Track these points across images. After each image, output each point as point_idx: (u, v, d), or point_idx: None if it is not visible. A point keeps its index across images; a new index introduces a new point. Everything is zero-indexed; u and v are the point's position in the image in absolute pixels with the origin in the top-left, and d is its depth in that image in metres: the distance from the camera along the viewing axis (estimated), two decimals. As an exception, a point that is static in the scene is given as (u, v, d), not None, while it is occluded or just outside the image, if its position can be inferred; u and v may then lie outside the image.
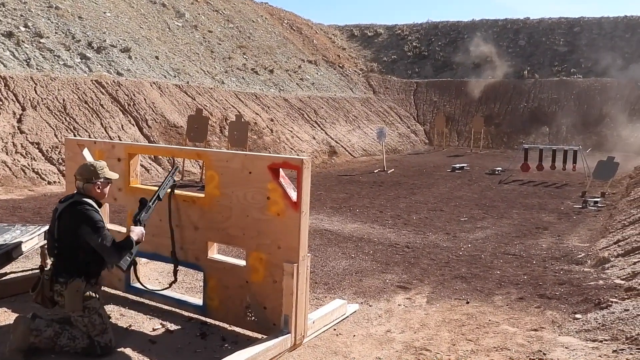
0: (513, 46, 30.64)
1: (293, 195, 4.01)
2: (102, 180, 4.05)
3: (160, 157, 13.42)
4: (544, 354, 4.02)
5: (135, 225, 4.10)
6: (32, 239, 5.17)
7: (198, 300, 4.76)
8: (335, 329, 4.56)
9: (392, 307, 5.15)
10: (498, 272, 6.38)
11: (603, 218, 9.91)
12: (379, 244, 7.67)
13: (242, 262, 4.39)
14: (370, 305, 5.17)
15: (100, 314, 3.91)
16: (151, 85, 16.21)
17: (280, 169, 4.09)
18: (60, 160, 11.43)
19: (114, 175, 4.20)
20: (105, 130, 13.47)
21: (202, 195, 4.53)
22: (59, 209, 3.98)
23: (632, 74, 26.98)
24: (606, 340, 4.15)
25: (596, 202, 11.25)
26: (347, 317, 4.84)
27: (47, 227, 5.57)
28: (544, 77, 28.32)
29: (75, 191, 4.10)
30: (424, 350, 4.15)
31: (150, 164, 13.15)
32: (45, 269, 4.04)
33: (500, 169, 16.68)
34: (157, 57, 18.46)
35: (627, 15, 30.77)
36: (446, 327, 4.65)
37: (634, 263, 6.11)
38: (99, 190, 4.05)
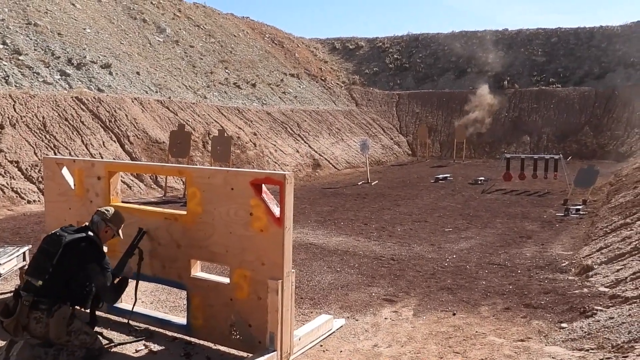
0: (493, 57, 31.05)
1: (276, 210, 3.97)
2: (114, 230, 4.27)
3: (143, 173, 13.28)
4: (531, 365, 4.02)
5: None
6: (10, 261, 5.06)
7: (182, 319, 4.68)
8: (321, 345, 4.51)
9: (379, 320, 5.12)
10: (483, 283, 6.38)
11: (585, 225, 10.00)
12: (365, 256, 7.64)
13: (226, 280, 4.33)
14: (356, 320, 5.13)
15: (86, 332, 3.95)
16: (132, 101, 16.10)
17: (263, 185, 4.06)
18: (40, 179, 11.26)
19: (120, 236, 4.38)
20: (86, 148, 13.31)
21: (184, 212, 4.48)
22: (66, 238, 3.94)
23: (609, 82, 27.51)
24: (592, 349, 4.15)
25: (578, 210, 11.36)
26: (334, 332, 4.79)
27: (27, 248, 5.47)
28: (523, 87, 28.73)
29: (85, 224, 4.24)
30: (411, 365, 4.12)
31: (132, 180, 13.01)
32: (22, 294, 3.85)
33: (483, 178, 16.80)
34: (138, 73, 18.37)
35: (603, 26, 31.43)
36: (433, 340, 4.62)
37: (617, 270, 6.15)
38: (106, 233, 4.23)
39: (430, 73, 32.21)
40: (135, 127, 14.99)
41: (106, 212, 4.25)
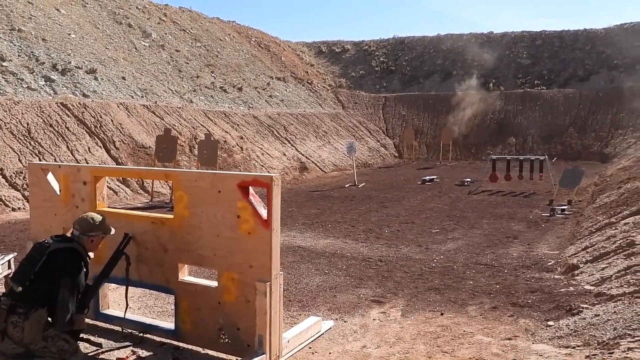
0: (478, 59, 31.30)
1: (263, 213, 3.97)
2: (98, 234, 4.13)
3: (129, 178, 13.20)
4: (519, 363, 4.05)
5: (78, 312, 4.06)
6: (-5, 268, 5.00)
7: (170, 324, 4.66)
8: (310, 347, 4.51)
9: (367, 322, 5.13)
10: (471, 283, 6.42)
11: (570, 225, 10.11)
12: (352, 258, 7.66)
13: (214, 283, 4.31)
14: (345, 321, 5.13)
15: (64, 338, 3.83)
16: (118, 106, 16.01)
17: (250, 187, 4.06)
18: (25, 186, 11.14)
19: (112, 230, 4.25)
20: (72, 154, 13.21)
21: (171, 216, 4.46)
22: (51, 246, 3.91)
23: (593, 84, 27.85)
24: (579, 346, 4.20)
25: (563, 210, 11.48)
26: (322, 334, 4.79)
27: (12, 256, 5.42)
28: (509, 89, 28.98)
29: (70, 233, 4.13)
30: (400, 365, 4.13)
31: (118, 186, 12.93)
32: (2, 299, 3.86)
33: (469, 180, 16.91)
34: (123, 78, 18.27)
35: (587, 29, 31.79)
36: (422, 339, 4.64)
37: (603, 269, 6.23)
38: (92, 243, 4.12)
39: (417, 75, 32.38)
40: (121, 132, 14.90)
41: (79, 224, 4.10)
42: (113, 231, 4.29)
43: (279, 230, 4.03)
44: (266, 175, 3.99)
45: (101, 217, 4.20)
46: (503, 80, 30.02)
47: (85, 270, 4.02)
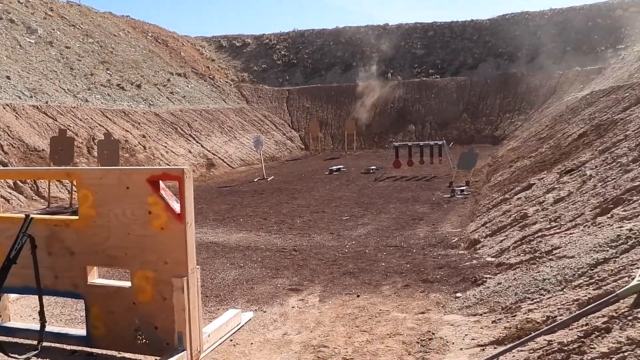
0: (376, 51, 32.22)
1: (176, 207, 3.88)
2: None
3: (22, 184, 12.32)
4: (433, 334, 4.27)
5: None
6: None
7: (81, 330, 4.43)
8: (232, 340, 4.49)
9: (286, 310, 5.17)
10: (383, 264, 6.65)
11: (470, 204, 10.74)
12: (267, 250, 7.67)
13: (127, 284, 4.16)
14: (264, 312, 5.14)
15: None
16: (4, 108, 14.86)
17: (160, 182, 3.94)
18: None
19: None
20: (-47, 160, 12.12)
21: (76, 217, 4.24)
22: None
23: (482, 72, 29.62)
24: (485, 313, 4.49)
25: (462, 191, 12.17)
26: (243, 325, 4.77)
27: None
28: (406, 79, 30.12)
29: None
30: (322, 347, 4.21)
31: (9, 193, 12.02)
32: None
33: (374, 167, 17.43)
34: (8, 77, 16.97)
35: (474, 19, 33.68)
36: (340, 322, 4.76)
37: (501, 241, 6.69)
38: None
39: (318, 68, 32.79)
40: (9, 135, 13.86)
41: None
42: None
43: (194, 223, 3.96)
44: (177, 168, 3.89)
45: None
46: (400, 70, 31.14)
47: None
